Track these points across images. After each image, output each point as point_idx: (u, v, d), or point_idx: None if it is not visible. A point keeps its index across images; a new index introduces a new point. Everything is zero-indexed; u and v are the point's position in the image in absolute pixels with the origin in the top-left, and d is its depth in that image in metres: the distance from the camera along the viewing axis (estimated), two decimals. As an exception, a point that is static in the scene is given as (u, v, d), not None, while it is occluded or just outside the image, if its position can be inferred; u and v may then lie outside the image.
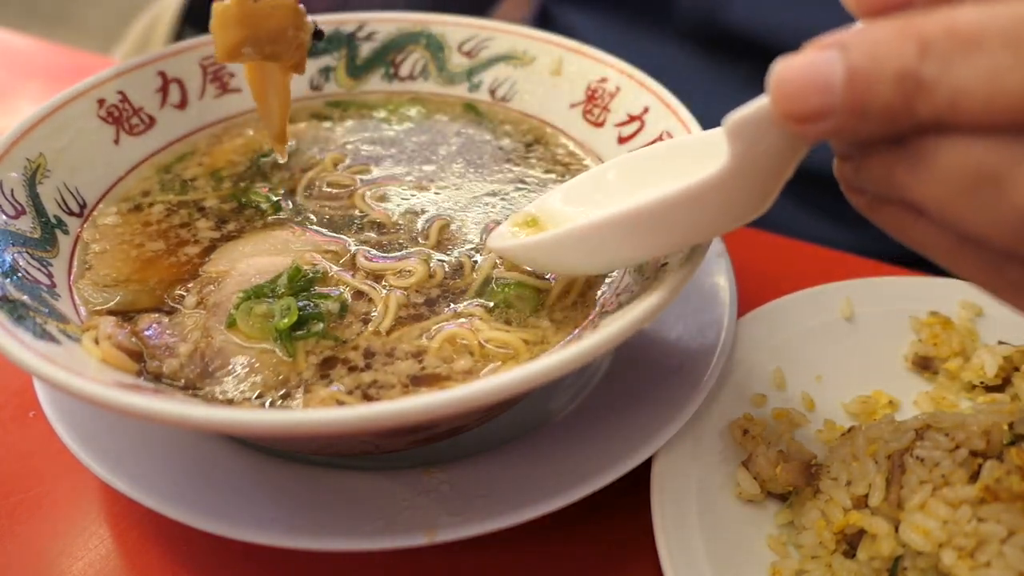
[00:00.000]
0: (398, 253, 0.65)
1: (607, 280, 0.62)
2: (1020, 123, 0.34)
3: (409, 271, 0.62)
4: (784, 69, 0.38)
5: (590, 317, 0.59)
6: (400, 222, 0.68)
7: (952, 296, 0.73)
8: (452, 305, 0.60)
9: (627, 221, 0.50)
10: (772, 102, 0.39)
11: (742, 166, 0.44)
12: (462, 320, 0.59)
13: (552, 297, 0.61)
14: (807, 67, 0.37)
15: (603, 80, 0.75)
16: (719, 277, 0.72)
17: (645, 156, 0.59)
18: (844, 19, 0.39)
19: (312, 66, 0.83)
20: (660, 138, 0.67)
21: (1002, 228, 0.35)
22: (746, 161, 0.43)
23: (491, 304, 0.60)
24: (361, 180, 0.73)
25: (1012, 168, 0.34)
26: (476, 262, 0.64)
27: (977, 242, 0.38)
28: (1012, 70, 0.33)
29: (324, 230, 0.67)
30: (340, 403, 0.53)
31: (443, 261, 0.64)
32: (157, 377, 0.54)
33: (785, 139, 0.42)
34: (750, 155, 0.43)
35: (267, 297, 0.58)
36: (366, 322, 0.59)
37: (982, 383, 0.65)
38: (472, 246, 0.65)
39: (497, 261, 0.64)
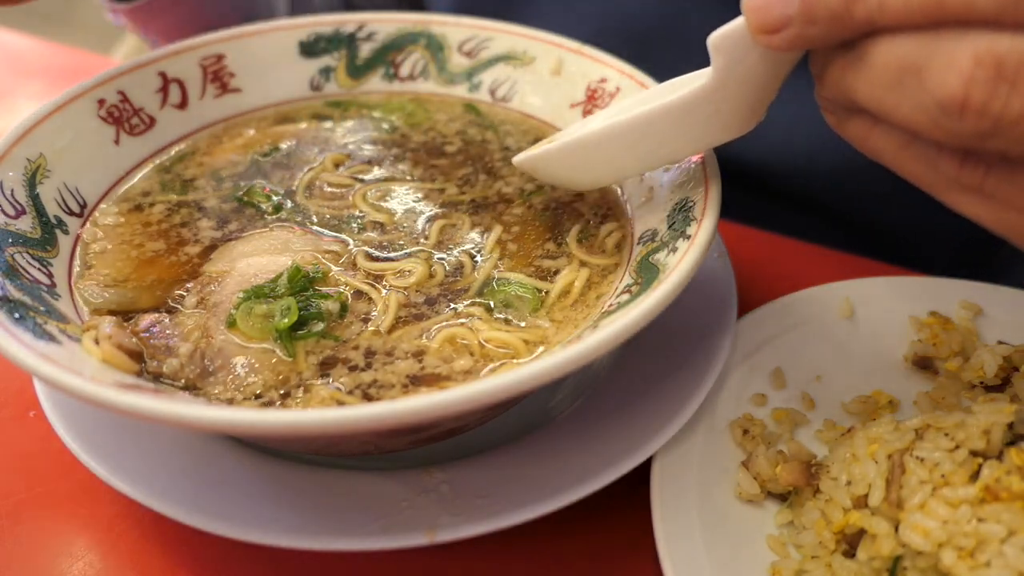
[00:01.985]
0: (398, 253, 0.65)
1: (608, 280, 0.62)
2: (934, 18, 0.38)
3: (409, 271, 0.62)
4: None
5: (591, 317, 0.59)
6: (401, 222, 0.68)
7: (952, 296, 0.73)
8: (452, 305, 0.60)
9: (625, 129, 0.56)
10: (744, 15, 0.45)
11: (726, 79, 0.49)
12: (462, 320, 0.59)
13: (552, 297, 0.61)
14: None
15: (603, 80, 0.75)
16: (719, 277, 0.71)
17: (669, 84, 0.63)
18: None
19: (312, 66, 0.83)
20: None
21: (925, 116, 0.40)
22: (730, 74, 0.48)
23: (491, 304, 0.60)
24: (362, 180, 0.73)
25: (928, 59, 0.38)
26: (477, 262, 0.64)
27: (915, 139, 0.42)
28: None
29: (324, 230, 0.67)
30: (340, 403, 0.53)
31: (443, 261, 0.64)
32: (157, 377, 0.54)
33: (763, 55, 0.47)
34: (734, 69, 0.48)
35: (267, 297, 0.58)
36: (366, 322, 0.59)
37: (982, 383, 0.65)
38: (473, 246, 0.65)
39: (498, 261, 0.64)
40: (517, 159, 0.67)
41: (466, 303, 0.60)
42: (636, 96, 0.67)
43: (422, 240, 0.66)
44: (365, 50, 0.84)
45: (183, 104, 0.77)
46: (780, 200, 0.99)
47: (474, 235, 0.67)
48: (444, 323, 0.59)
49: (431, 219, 0.68)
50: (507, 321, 0.59)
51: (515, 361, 0.56)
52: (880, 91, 0.41)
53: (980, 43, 0.37)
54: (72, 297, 0.59)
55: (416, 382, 0.55)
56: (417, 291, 0.61)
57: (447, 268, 0.63)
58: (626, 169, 0.62)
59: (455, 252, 0.65)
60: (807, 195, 0.97)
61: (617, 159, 0.59)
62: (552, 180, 0.67)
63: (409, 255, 0.64)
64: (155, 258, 0.64)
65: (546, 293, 0.61)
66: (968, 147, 0.41)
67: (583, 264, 0.64)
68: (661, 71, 0.94)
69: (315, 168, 0.74)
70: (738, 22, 0.46)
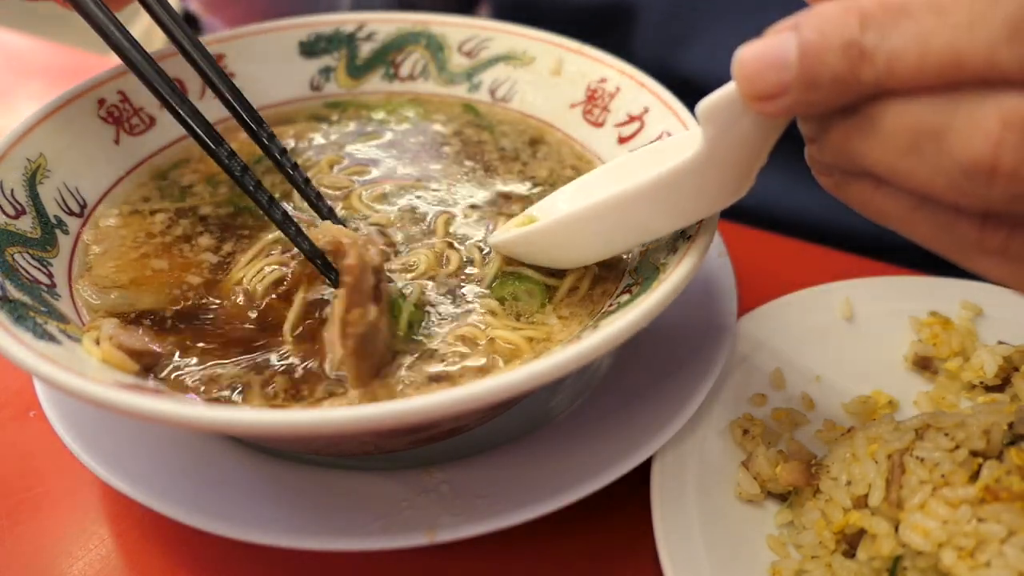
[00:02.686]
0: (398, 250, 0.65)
1: (612, 277, 0.62)
2: (949, 80, 0.36)
3: (414, 263, 0.63)
4: (745, 53, 0.41)
5: (595, 314, 0.59)
6: (397, 222, 0.68)
7: (952, 296, 0.73)
8: (462, 298, 0.60)
9: (606, 209, 0.53)
10: (736, 83, 0.42)
11: (716, 149, 0.46)
12: (472, 316, 0.59)
13: (560, 293, 0.61)
14: (765, 48, 0.40)
15: (603, 80, 0.75)
16: (719, 277, 0.72)
17: (643, 152, 0.61)
18: None
19: (312, 66, 0.83)
20: (660, 138, 0.67)
21: (945, 180, 0.38)
22: (720, 144, 0.46)
23: (501, 298, 0.61)
24: (358, 181, 0.73)
25: (948, 123, 0.37)
26: (486, 256, 0.64)
27: (928, 201, 0.40)
28: (936, 32, 0.36)
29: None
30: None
31: (449, 257, 0.64)
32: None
33: (755, 121, 0.44)
34: (723, 138, 0.45)
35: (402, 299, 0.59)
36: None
37: (982, 383, 0.65)
38: (473, 242, 0.66)
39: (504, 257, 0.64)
40: (493, 241, 0.64)
41: (476, 296, 0.60)
42: (619, 160, 0.64)
43: (425, 237, 0.66)
44: (365, 50, 0.84)
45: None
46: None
47: (476, 231, 0.67)
48: (456, 319, 0.59)
49: (430, 217, 0.68)
50: (516, 315, 0.59)
51: (518, 359, 0.56)
52: (893, 157, 0.39)
53: (1006, 104, 0.35)
54: (72, 297, 0.59)
55: (432, 379, 0.55)
56: (430, 278, 0.61)
57: (458, 261, 0.63)
58: (611, 247, 0.58)
59: (459, 247, 0.65)
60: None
61: (602, 238, 0.56)
62: (531, 260, 0.62)
63: (416, 248, 0.64)
64: (155, 260, 0.64)
65: (554, 290, 0.61)
66: (991, 210, 0.39)
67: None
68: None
69: (311, 170, 0.74)
70: (729, 88, 0.43)
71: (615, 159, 0.66)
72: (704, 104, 0.45)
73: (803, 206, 0.98)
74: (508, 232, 0.62)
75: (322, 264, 0.60)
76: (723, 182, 0.49)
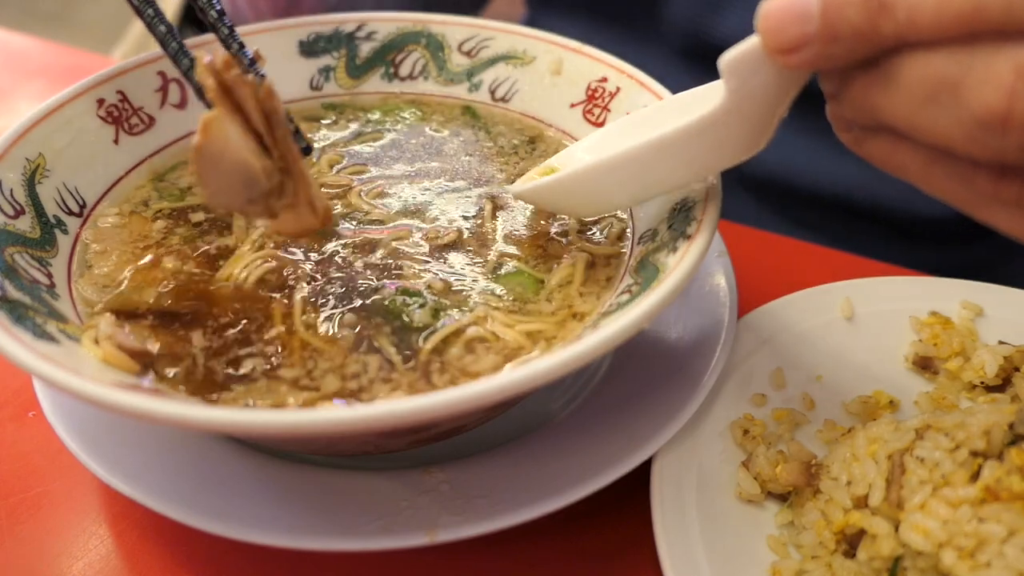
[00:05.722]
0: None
1: (612, 265, 0.63)
2: (967, 31, 0.37)
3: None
4: (769, 6, 0.42)
5: (604, 299, 0.60)
6: (397, 219, 0.68)
7: (952, 296, 0.73)
8: (467, 291, 0.61)
9: (629, 159, 0.54)
10: (760, 36, 0.43)
11: (738, 101, 0.47)
12: (479, 308, 0.59)
13: (551, 286, 0.61)
14: (788, 2, 0.41)
15: (603, 80, 0.75)
16: (719, 277, 0.72)
17: (663, 105, 0.62)
18: None
19: (312, 66, 0.83)
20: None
21: (962, 132, 0.38)
22: (742, 96, 0.47)
23: (503, 289, 0.61)
24: (357, 180, 0.73)
25: (965, 74, 0.37)
26: (485, 250, 0.64)
27: (945, 154, 0.41)
28: None
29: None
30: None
31: (448, 250, 0.64)
32: None
33: (776, 74, 0.45)
34: (745, 91, 0.46)
35: None
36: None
37: (982, 383, 0.65)
38: (470, 233, 0.66)
39: (502, 249, 0.65)
40: (515, 190, 0.65)
41: (479, 289, 0.61)
42: (639, 113, 0.65)
43: (422, 232, 0.66)
44: (365, 49, 0.84)
45: (183, 104, 0.77)
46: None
47: (473, 223, 0.67)
48: (461, 314, 0.59)
49: (427, 214, 0.68)
50: (524, 303, 0.60)
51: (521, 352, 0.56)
52: (912, 109, 0.40)
53: (1020, 55, 0.35)
54: (71, 297, 0.59)
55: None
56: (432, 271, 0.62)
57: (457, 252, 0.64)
58: (633, 197, 0.60)
59: (456, 240, 0.65)
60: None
61: (624, 188, 0.57)
62: (553, 209, 0.65)
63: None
64: (155, 259, 0.64)
65: (543, 283, 0.62)
66: (1006, 161, 0.39)
67: (582, 251, 0.64)
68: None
69: (312, 169, 0.74)
70: (752, 42, 0.44)
71: (635, 111, 0.66)
72: (727, 57, 0.45)
73: (827, 174, 0.98)
74: (530, 182, 0.63)
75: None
76: (745, 134, 0.49)
